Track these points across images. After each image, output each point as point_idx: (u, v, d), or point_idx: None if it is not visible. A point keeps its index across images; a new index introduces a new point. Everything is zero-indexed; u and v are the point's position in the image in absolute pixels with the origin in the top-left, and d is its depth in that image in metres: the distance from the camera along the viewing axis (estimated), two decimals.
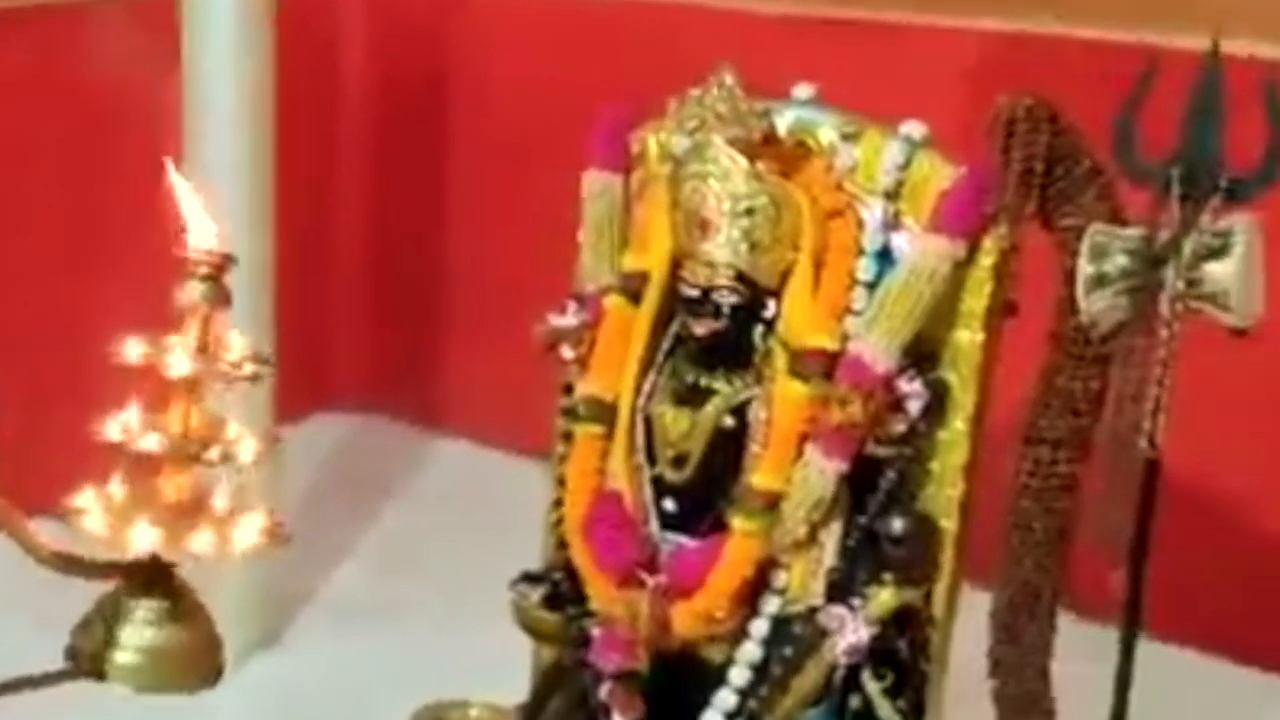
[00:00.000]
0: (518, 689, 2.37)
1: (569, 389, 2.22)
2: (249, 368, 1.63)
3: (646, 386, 2.08)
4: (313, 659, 3.08)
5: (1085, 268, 1.73)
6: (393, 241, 4.07)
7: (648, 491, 2.08)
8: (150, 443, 1.56)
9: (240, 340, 1.60)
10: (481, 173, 3.88)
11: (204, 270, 1.63)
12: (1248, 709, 3.11)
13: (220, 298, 1.64)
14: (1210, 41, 1.80)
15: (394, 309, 4.09)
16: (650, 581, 2.04)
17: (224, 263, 1.64)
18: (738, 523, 1.99)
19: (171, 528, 1.56)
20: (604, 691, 2.15)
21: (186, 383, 1.58)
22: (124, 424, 1.61)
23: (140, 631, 1.59)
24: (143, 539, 1.54)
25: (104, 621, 1.56)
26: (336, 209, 4.03)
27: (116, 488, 1.59)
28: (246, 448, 1.59)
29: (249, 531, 1.55)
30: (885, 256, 1.99)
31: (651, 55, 3.02)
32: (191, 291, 1.63)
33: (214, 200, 2.95)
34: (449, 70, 3.90)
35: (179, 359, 1.59)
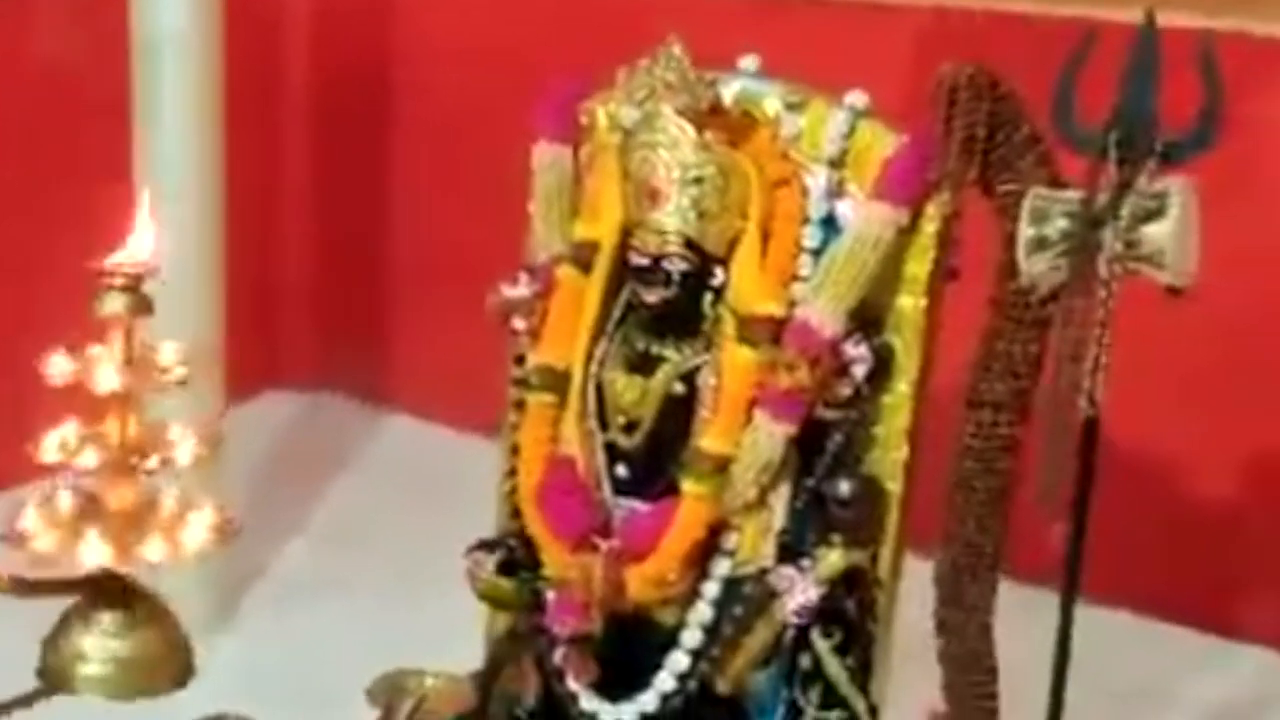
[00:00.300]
0: (472, 658, 2.40)
1: (520, 360, 2.25)
2: (179, 371, 1.66)
3: (598, 354, 2.12)
4: (265, 634, 3.11)
5: (1025, 230, 1.77)
6: (340, 221, 4.10)
7: (600, 458, 2.12)
8: (89, 459, 1.59)
9: (169, 346, 1.63)
10: (428, 151, 3.91)
11: (121, 281, 1.65)
12: (1182, 669, 3.17)
13: (141, 307, 1.66)
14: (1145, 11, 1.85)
15: (342, 288, 4.11)
16: (603, 546, 2.07)
17: (143, 273, 1.66)
18: (688, 486, 2.03)
19: (120, 539, 1.59)
20: (558, 656, 2.19)
21: (117, 395, 1.61)
22: (62, 440, 1.64)
23: (104, 643, 1.63)
24: (93, 554, 1.57)
25: (68, 637, 1.59)
26: (284, 189, 4.05)
27: (61, 503, 1.62)
28: (185, 450, 1.62)
29: (198, 531, 1.57)
30: (830, 224, 2.04)
31: (597, 30, 3.06)
32: (112, 303, 1.66)
33: (164, 184, 3.00)
34: (394, 48, 3.93)
35: (106, 374, 1.62)
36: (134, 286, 1.65)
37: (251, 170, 3.54)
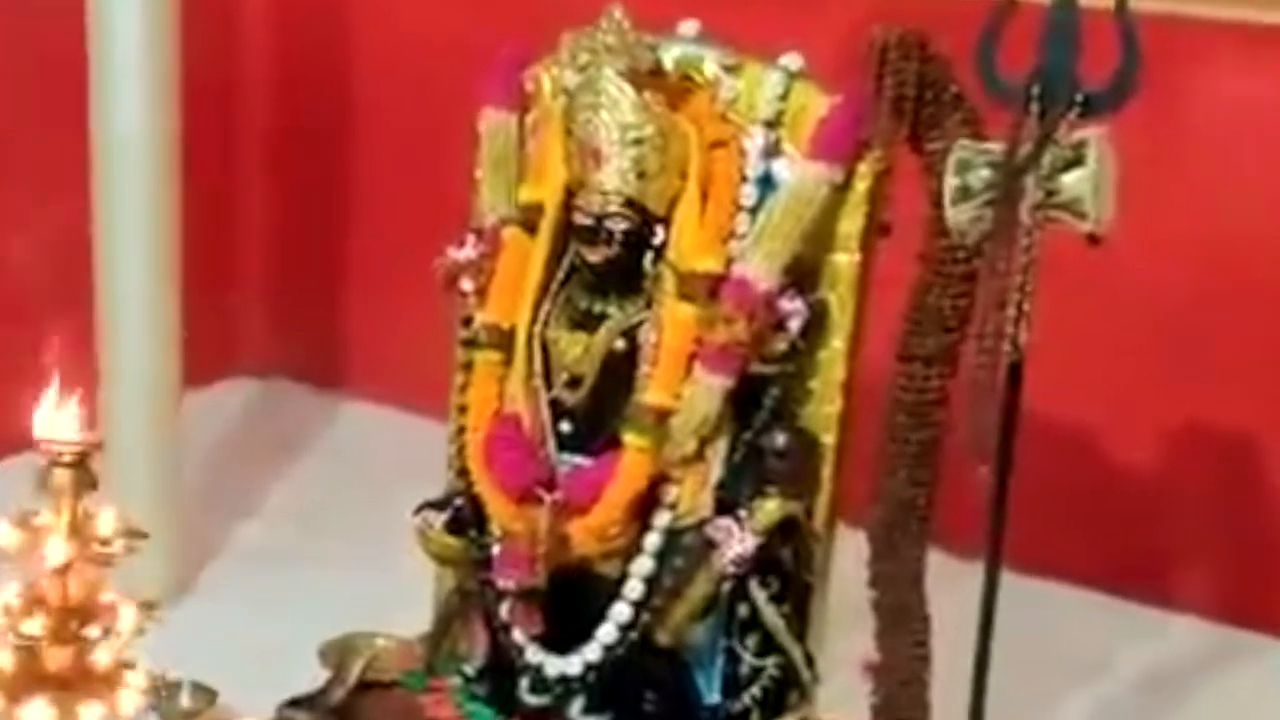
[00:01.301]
0: (421, 625, 2.45)
1: (468, 321, 2.31)
2: (119, 544, 1.76)
3: (542, 314, 2.18)
4: (222, 605, 3.15)
5: (950, 180, 1.84)
6: (296, 210, 4.13)
7: (545, 414, 2.18)
8: (33, 627, 1.68)
9: (110, 516, 1.74)
10: (384, 139, 3.95)
11: (68, 458, 1.74)
12: (1112, 639, 3.23)
13: (87, 482, 1.75)
14: None
15: (297, 276, 4.15)
16: (548, 499, 2.13)
17: (89, 450, 1.74)
18: (630, 438, 2.10)
19: (61, 702, 1.70)
20: (505, 610, 2.25)
21: (59, 567, 1.70)
22: (5, 605, 1.73)
23: None
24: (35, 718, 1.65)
25: None
26: (239, 178, 4.08)
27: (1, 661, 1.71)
28: (126, 618, 1.70)
29: (133, 694, 1.66)
30: (767, 183, 2.11)
31: (552, 19, 3.11)
32: (59, 478, 1.74)
33: (120, 171, 3.02)
34: (352, 37, 3.97)
35: (55, 548, 1.72)
36: (80, 462, 1.76)
37: (207, 159, 3.57)
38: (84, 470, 1.77)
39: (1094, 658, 3.15)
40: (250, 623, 3.02)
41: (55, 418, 1.80)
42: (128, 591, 3.06)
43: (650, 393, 2.09)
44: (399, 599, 2.49)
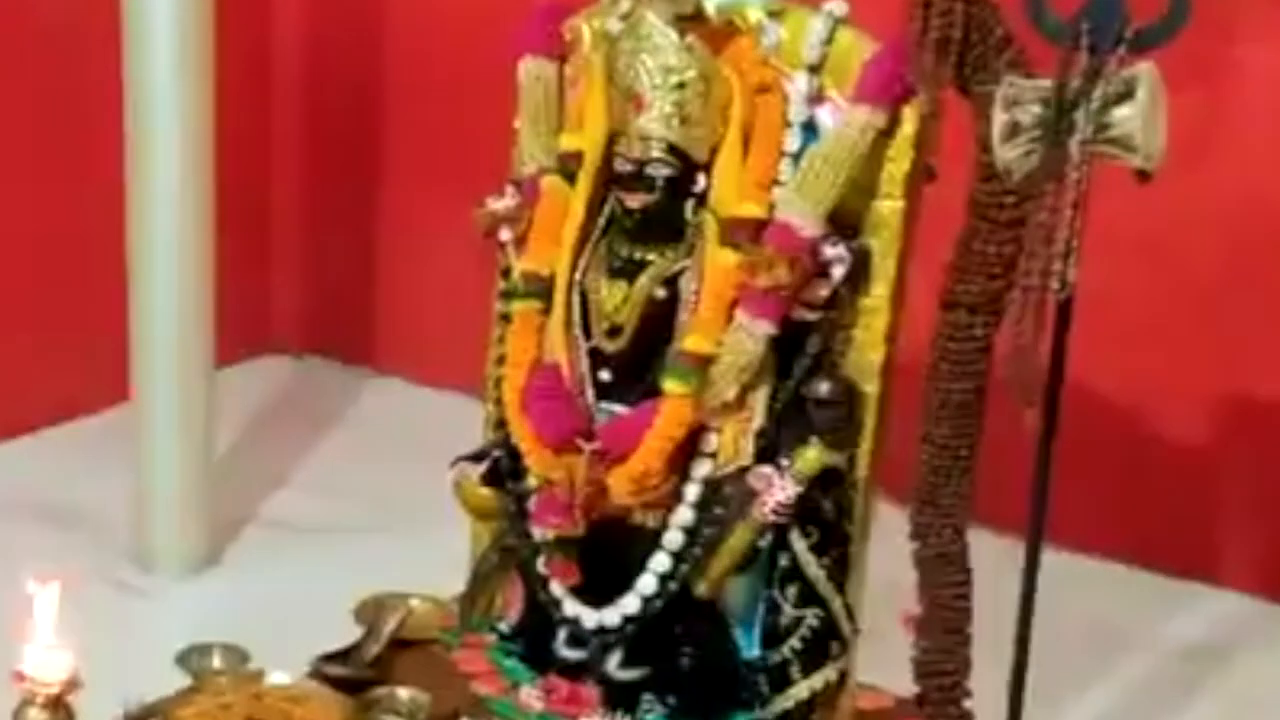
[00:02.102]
0: (453, 591, 2.44)
1: (506, 273, 2.30)
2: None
3: (582, 262, 2.18)
4: (252, 573, 3.16)
5: (999, 117, 1.83)
6: (329, 190, 4.14)
7: (584, 363, 2.17)
8: None
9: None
10: (417, 116, 3.95)
11: (42, 699, 1.73)
12: (1151, 613, 3.22)
13: None
14: None
15: (329, 255, 4.15)
16: (587, 448, 2.12)
17: (66, 689, 1.76)
18: (670, 385, 2.08)
19: None
20: (542, 562, 2.24)
21: None
22: None
23: None
24: None
25: None
26: (273, 154, 4.09)
27: None
28: None
29: None
30: (810, 129, 2.10)
31: None
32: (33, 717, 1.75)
33: (157, 153, 3.02)
34: (386, 11, 3.97)
35: None
36: (56, 703, 1.81)
37: (242, 136, 3.58)
38: (59, 709, 1.80)
39: (1133, 632, 3.14)
40: (280, 590, 3.03)
41: (44, 657, 1.82)
42: (158, 561, 3.12)
43: (691, 339, 2.08)
44: (430, 568, 2.49)
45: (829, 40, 2.09)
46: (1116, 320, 3.01)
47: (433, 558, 2.51)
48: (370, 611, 2.43)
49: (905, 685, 2.23)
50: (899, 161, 2.07)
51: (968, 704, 2.22)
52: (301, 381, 4.06)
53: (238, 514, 3.32)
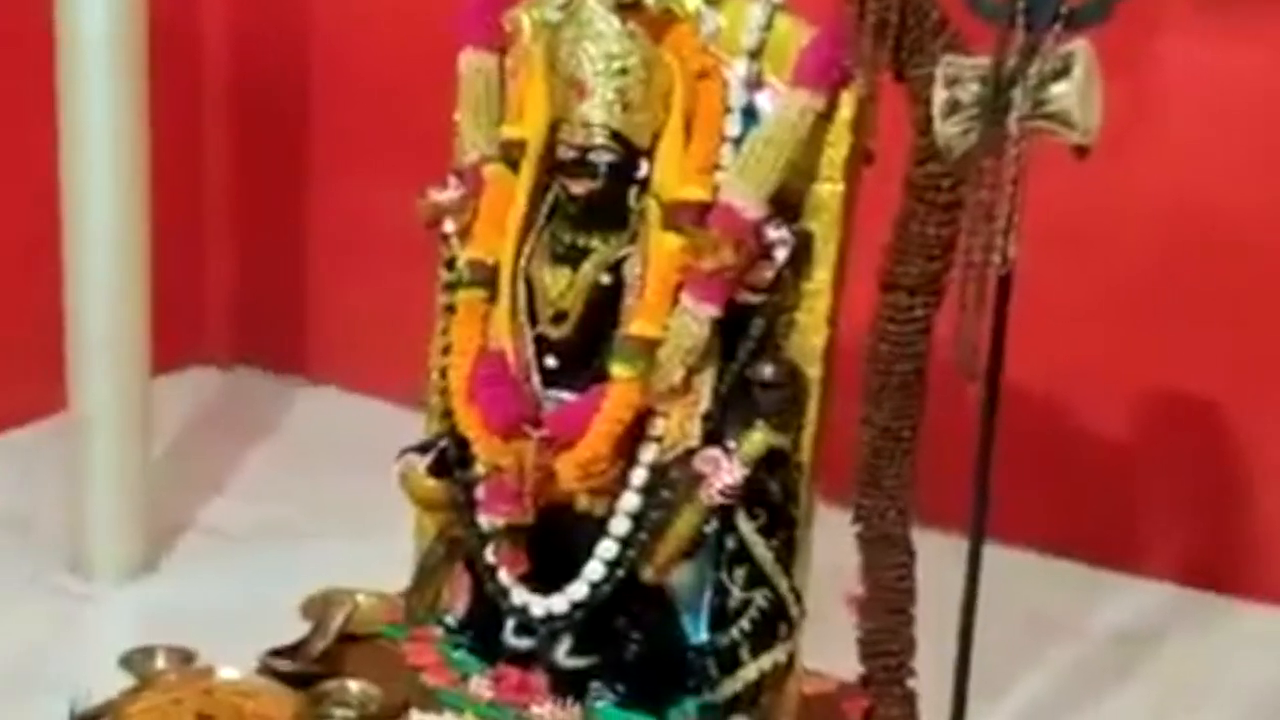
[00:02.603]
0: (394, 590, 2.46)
1: (450, 264, 2.31)
2: None
3: (526, 249, 2.19)
4: (190, 578, 3.15)
5: (939, 94, 1.86)
6: (260, 200, 4.13)
7: (530, 350, 2.19)
8: None
9: None
10: (345, 124, 3.95)
11: None
12: (1081, 603, 3.27)
13: None
14: None
15: (262, 264, 4.15)
16: (534, 434, 2.14)
17: None
18: (617, 370, 2.10)
19: None
20: (490, 551, 2.25)
21: None
22: None
23: None
24: None
25: None
26: (203, 165, 4.08)
27: None
28: None
29: None
30: (750, 114, 2.13)
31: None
32: None
33: (90, 166, 3.01)
34: (313, 20, 3.97)
35: None
36: None
37: (171, 143, 3.57)
38: None
39: (1064, 621, 3.18)
40: (220, 594, 3.03)
41: None
42: (97, 568, 3.11)
43: (637, 323, 2.10)
44: (370, 572, 2.49)
45: (767, 26, 2.12)
46: (1043, 313, 3.05)
47: (372, 561, 2.51)
48: (317, 607, 2.44)
49: (847, 669, 2.27)
50: (837, 145, 2.11)
51: (912, 683, 2.25)
52: (233, 391, 4.05)
53: (175, 521, 3.32)
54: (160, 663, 2.33)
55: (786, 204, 2.12)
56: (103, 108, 3.06)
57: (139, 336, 3.18)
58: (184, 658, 2.35)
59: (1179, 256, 3.26)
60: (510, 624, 2.26)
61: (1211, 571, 3.34)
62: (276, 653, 2.33)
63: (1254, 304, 3.24)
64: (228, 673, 2.26)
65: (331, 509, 3.35)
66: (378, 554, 2.50)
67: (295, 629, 2.38)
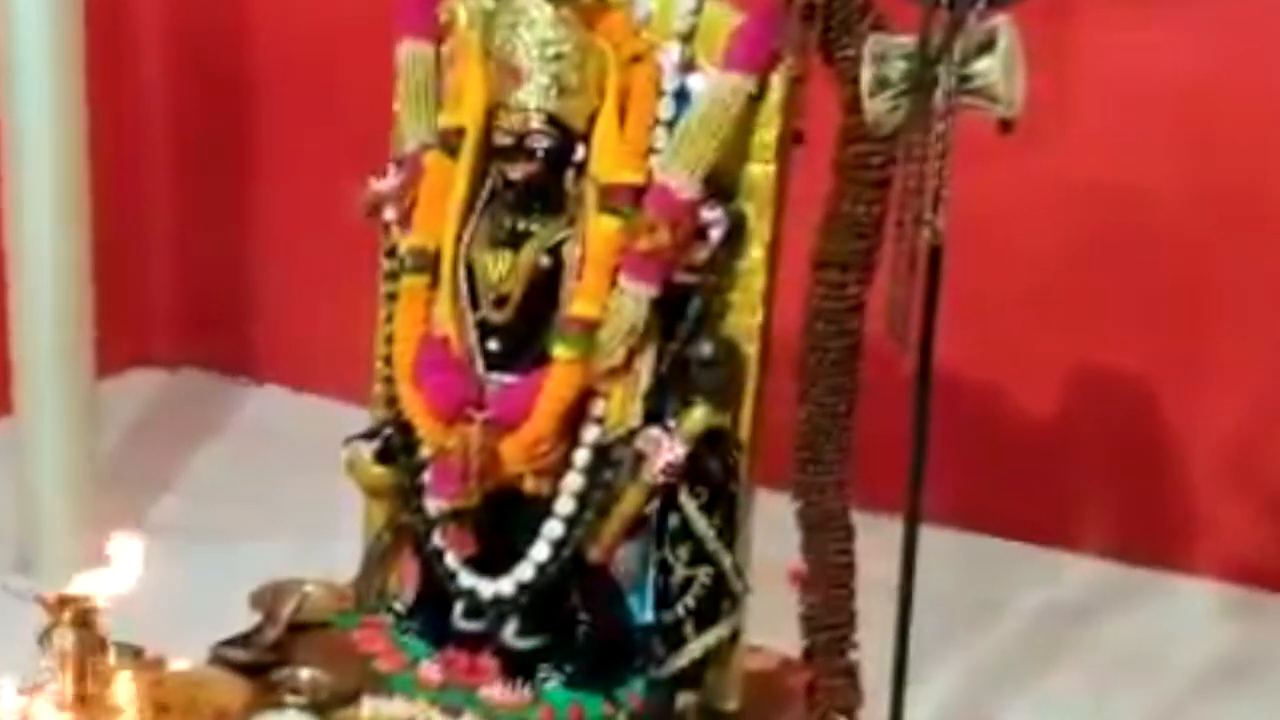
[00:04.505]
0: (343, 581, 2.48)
1: (391, 253, 2.34)
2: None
3: (466, 235, 2.22)
4: (139, 579, 3.15)
5: (867, 72, 1.91)
6: (202, 201, 4.15)
7: (472, 334, 2.22)
8: None
9: (125, 680, 1.68)
10: (289, 124, 3.98)
11: (72, 615, 1.66)
12: (1015, 581, 3.32)
13: (95, 644, 1.67)
14: None
15: (206, 265, 4.17)
16: (478, 417, 2.17)
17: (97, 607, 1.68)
18: (559, 351, 2.14)
19: None
20: (437, 535, 2.28)
21: None
22: None
23: None
24: None
25: None
26: (144, 167, 4.09)
27: None
28: None
29: None
30: (683, 97, 2.17)
31: None
32: (64, 639, 1.67)
33: (29, 168, 3.03)
34: (254, 17, 3.99)
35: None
36: (88, 620, 1.75)
37: (113, 152, 3.58)
38: (91, 632, 1.75)
39: (1000, 600, 3.24)
40: (168, 593, 3.04)
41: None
42: (44, 567, 3.11)
43: (577, 305, 2.14)
44: (317, 568, 2.51)
45: (697, 11, 2.16)
46: (969, 295, 3.10)
47: (321, 558, 2.53)
48: (267, 597, 2.45)
49: (789, 645, 2.31)
50: (768, 127, 2.15)
51: (854, 656, 2.29)
52: (180, 392, 4.08)
53: (123, 522, 3.32)
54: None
55: (720, 185, 2.15)
56: (41, 111, 3.08)
57: (84, 339, 3.20)
58: (133, 653, 2.36)
59: (1101, 237, 3.32)
60: (459, 607, 2.28)
61: (1144, 547, 3.41)
62: (228, 643, 2.35)
63: (1176, 282, 3.31)
64: (180, 664, 2.28)
65: (279, 507, 3.37)
66: (326, 551, 2.53)
67: (244, 625, 2.39)
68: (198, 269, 4.18)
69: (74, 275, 3.18)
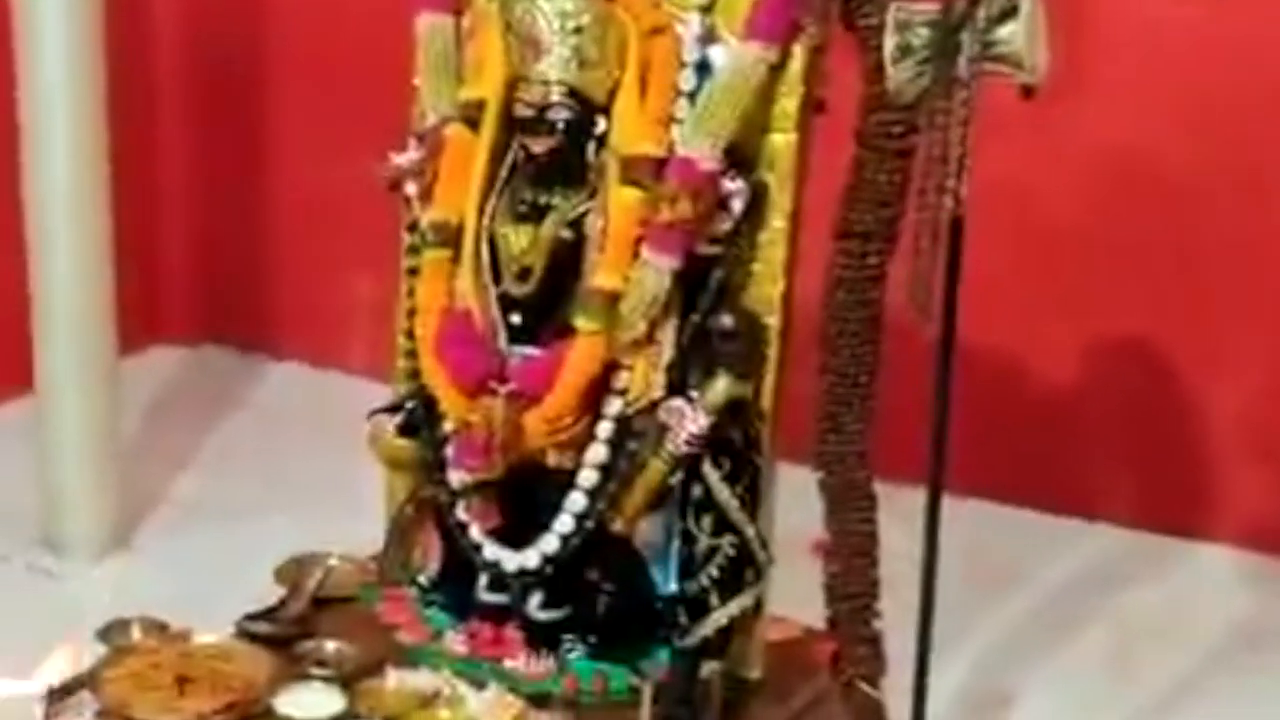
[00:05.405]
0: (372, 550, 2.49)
1: (413, 227, 2.34)
2: None
3: (489, 208, 2.22)
4: (164, 554, 3.19)
5: (890, 39, 1.91)
6: (218, 178, 4.16)
7: (495, 308, 2.22)
8: None
9: None
10: (305, 100, 3.97)
11: None
12: (1037, 551, 3.33)
13: None
14: None
15: (225, 241, 4.17)
16: (501, 390, 2.17)
17: None
18: (581, 323, 2.14)
19: None
20: (461, 508, 2.28)
21: None
22: None
23: None
24: None
25: None
26: (163, 145, 4.10)
27: None
28: None
29: None
30: (704, 69, 2.17)
31: None
32: None
33: (50, 159, 3.03)
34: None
35: None
36: None
37: (130, 129, 3.58)
38: None
39: (1022, 570, 3.24)
40: (192, 568, 3.06)
41: None
42: (68, 546, 3.13)
43: (599, 277, 2.14)
44: (338, 541, 2.52)
45: None
46: (988, 265, 3.10)
47: (341, 533, 2.54)
48: (291, 571, 2.47)
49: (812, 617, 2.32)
50: (790, 96, 2.14)
51: (877, 625, 2.30)
52: (200, 369, 4.09)
53: (145, 497, 3.35)
54: (136, 634, 2.36)
55: (741, 156, 2.15)
56: (60, 92, 3.10)
57: (104, 317, 3.21)
58: (160, 629, 2.38)
59: (1120, 203, 3.32)
60: (482, 580, 2.29)
61: (1164, 515, 3.41)
62: (253, 616, 2.36)
63: (1195, 248, 3.31)
64: (205, 637, 2.29)
65: (299, 483, 3.38)
66: (347, 526, 2.54)
67: (266, 599, 2.41)
68: (216, 246, 4.19)
69: (94, 253, 3.19)
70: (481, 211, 2.22)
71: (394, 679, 2.22)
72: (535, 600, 2.26)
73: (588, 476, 2.20)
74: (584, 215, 2.18)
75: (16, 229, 3.15)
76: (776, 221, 2.18)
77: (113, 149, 3.19)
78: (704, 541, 2.20)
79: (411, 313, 2.32)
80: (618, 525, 2.21)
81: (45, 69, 3.09)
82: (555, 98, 2.14)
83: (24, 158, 3.12)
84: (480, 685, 2.19)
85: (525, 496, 2.24)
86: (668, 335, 2.17)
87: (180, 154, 4.14)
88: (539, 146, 2.16)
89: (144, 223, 3.91)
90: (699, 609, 2.21)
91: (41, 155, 3.13)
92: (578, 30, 2.13)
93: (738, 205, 2.13)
